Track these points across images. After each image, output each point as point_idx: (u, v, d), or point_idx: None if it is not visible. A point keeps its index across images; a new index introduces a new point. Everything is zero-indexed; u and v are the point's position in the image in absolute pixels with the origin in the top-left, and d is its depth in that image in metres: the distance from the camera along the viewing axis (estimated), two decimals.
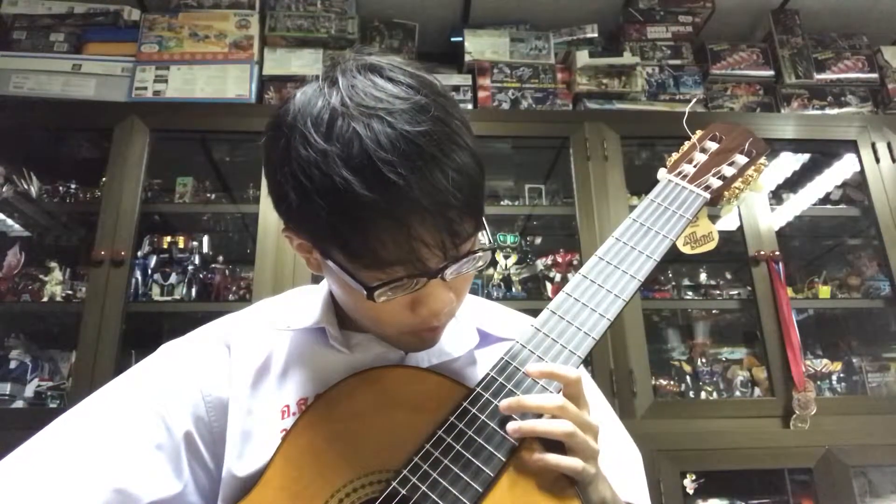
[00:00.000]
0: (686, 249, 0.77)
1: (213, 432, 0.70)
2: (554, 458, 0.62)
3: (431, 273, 0.60)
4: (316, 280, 0.87)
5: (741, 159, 0.81)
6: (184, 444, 0.68)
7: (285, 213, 0.64)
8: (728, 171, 0.80)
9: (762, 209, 2.16)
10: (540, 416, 0.63)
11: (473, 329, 0.78)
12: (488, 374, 0.66)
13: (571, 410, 0.63)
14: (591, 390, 0.85)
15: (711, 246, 0.78)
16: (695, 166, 0.80)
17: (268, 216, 1.99)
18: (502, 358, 0.67)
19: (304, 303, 0.78)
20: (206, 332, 0.78)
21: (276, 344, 0.75)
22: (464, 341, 0.76)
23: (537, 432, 0.62)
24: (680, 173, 0.80)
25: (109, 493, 0.62)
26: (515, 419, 0.63)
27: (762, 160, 0.81)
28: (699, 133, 0.84)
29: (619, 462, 0.78)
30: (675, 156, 0.83)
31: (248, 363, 0.73)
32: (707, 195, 0.78)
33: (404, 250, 0.58)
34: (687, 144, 0.83)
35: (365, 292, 0.60)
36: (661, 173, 0.80)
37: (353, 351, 0.73)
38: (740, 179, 0.79)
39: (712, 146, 0.83)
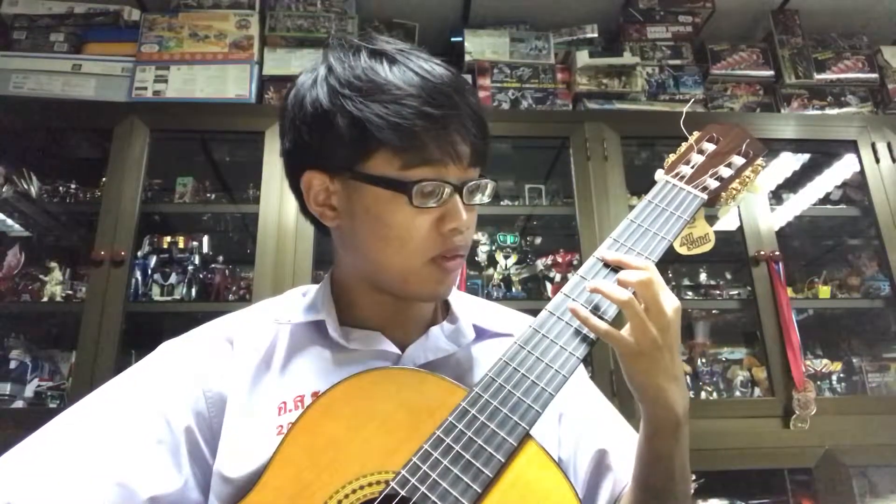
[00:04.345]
0: (682, 251, 0.77)
1: (212, 428, 0.70)
2: (584, 313, 0.66)
3: (456, 185, 0.69)
4: (316, 281, 0.87)
5: (738, 160, 0.81)
6: (184, 440, 0.68)
7: (317, 142, 0.69)
8: (725, 172, 0.80)
9: (762, 209, 2.16)
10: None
11: (469, 325, 0.79)
12: (487, 375, 0.66)
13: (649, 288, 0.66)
14: (590, 389, 0.85)
15: (708, 247, 0.78)
16: (692, 167, 0.80)
17: (268, 216, 1.99)
18: (500, 359, 0.67)
19: (305, 298, 0.80)
20: (209, 329, 0.78)
21: (277, 338, 0.76)
22: (460, 337, 0.78)
23: (601, 290, 0.67)
24: (677, 174, 0.80)
25: (111, 487, 0.62)
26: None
27: (759, 161, 0.81)
28: (696, 134, 0.84)
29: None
30: (672, 157, 0.82)
31: (250, 357, 0.74)
32: (704, 196, 0.77)
33: (443, 139, 0.66)
34: (684, 146, 0.83)
35: (403, 193, 0.66)
36: (659, 174, 0.80)
37: (351, 346, 0.74)
38: (737, 181, 0.79)
39: (710, 147, 0.83)
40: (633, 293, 0.66)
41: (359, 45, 0.71)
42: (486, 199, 0.73)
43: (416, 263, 0.70)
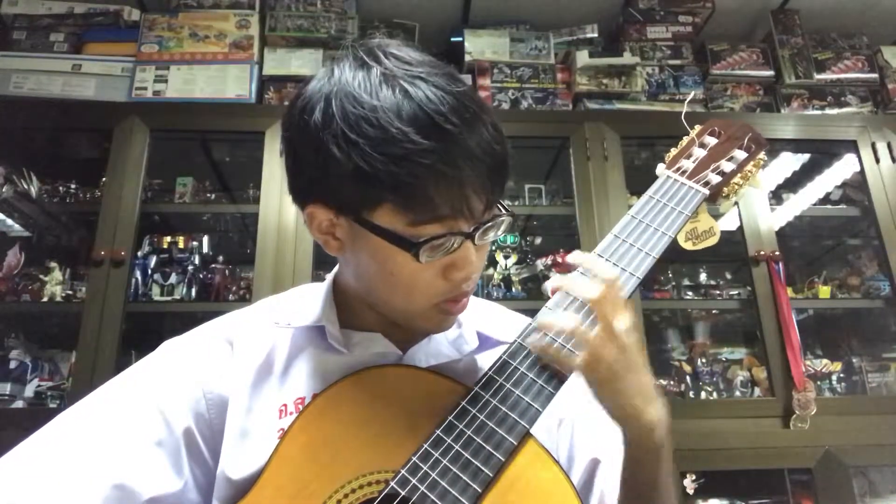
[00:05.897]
0: (688, 245, 0.76)
1: (213, 429, 0.70)
2: (546, 357, 0.65)
3: (468, 233, 0.64)
4: (316, 280, 0.86)
5: (740, 154, 0.81)
6: (183, 441, 0.68)
7: (320, 178, 0.65)
8: (727, 166, 0.79)
9: (762, 209, 2.15)
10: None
11: (473, 332, 0.78)
12: (487, 374, 0.66)
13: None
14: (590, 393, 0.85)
15: (713, 241, 0.77)
16: (694, 162, 0.80)
17: (268, 216, 1.99)
18: (501, 357, 0.67)
19: (306, 300, 0.78)
20: (209, 329, 0.78)
21: (277, 341, 0.75)
22: (463, 344, 0.77)
23: (543, 325, 0.66)
24: (679, 169, 0.79)
25: (109, 488, 0.62)
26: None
27: (761, 155, 0.81)
28: (698, 128, 0.84)
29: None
30: (673, 151, 0.82)
31: (250, 360, 0.73)
32: (706, 191, 0.77)
33: (456, 198, 0.61)
34: (686, 139, 0.83)
35: (409, 252, 0.62)
36: (660, 169, 0.80)
37: (352, 350, 0.74)
38: (739, 175, 0.79)
39: (711, 141, 0.82)
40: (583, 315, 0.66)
41: (370, 65, 0.64)
42: (500, 235, 0.70)
43: (422, 308, 0.69)
